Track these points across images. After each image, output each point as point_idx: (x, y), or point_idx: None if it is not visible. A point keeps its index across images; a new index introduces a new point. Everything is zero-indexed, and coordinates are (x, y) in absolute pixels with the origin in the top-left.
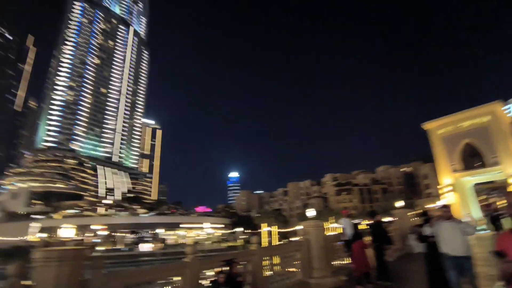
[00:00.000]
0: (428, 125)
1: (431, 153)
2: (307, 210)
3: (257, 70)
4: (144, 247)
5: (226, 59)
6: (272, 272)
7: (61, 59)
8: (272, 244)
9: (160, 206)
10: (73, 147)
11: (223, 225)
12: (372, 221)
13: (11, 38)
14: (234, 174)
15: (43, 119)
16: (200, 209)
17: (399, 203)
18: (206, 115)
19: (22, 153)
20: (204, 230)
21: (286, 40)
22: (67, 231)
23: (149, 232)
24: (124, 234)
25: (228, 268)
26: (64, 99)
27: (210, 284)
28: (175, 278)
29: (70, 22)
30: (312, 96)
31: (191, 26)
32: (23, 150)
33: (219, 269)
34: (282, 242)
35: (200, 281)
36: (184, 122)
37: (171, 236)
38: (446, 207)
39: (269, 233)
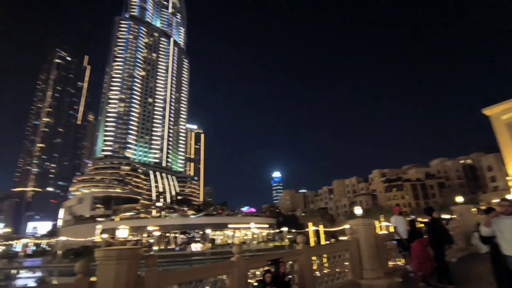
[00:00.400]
0: (490, 111)
1: (494, 141)
2: (354, 208)
3: (296, 69)
4: (195, 247)
5: (265, 60)
6: (319, 273)
7: (112, 74)
8: (320, 244)
9: (207, 207)
10: (127, 154)
11: (268, 225)
12: (429, 219)
13: (70, 59)
14: (277, 174)
15: (101, 131)
16: (245, 209)
17: (459, 198)
18: (248, 116)
19: (84, 162)
20: (251, 230)
21: (325, 38)
22: (122, 232)
23: (199, 232)
24: (175, 235)
25: (274, 267)
26: (116, 111)
27: (257, 284)
28: (223, 277)
29: (118, 40)
30: (356, 89)
31: (226, 32)
32: (85, 160)
33: (266, 268)
34: (329, 242)
35: (248, 280)
36: (226, 124)
37: (219, 236)
38: (506, 200)
39: (316, 232)
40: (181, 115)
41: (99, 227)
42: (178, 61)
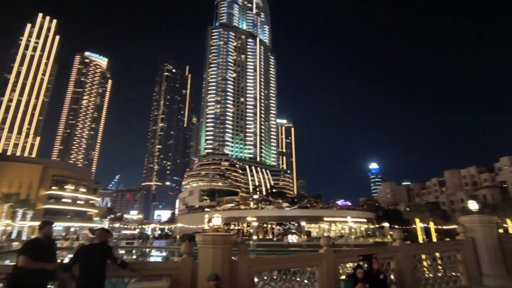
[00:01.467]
0: None
1: None
2: (468, 203)
3: (393, 52)
4: (291, 238)
5: (351, 51)
6: (425, 274)
7: (208, 79)
8: (430, 242)
9: (301, 200)
10: (225, 151)
11: (366, 220)
12: None
13: (174, 71)
14: (374, 166)
15: (203, 131)
16: (341, 203)
17: None
18: (339, 107)
19: (192, 159)
20: (348, 224)
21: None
22: (216, 220)
23: (294, 224)
24: (272, 226)
25: (366, 263)
26: (214, 112)
27: (348, 279)
28: (313, 269)
29: (211, 47)
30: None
31: (309, 26)
32: (193, 157)
33: (358, 264)
34: (442, 240)
35: (340, 274)
36: (316, 117)
37: (315, 229)
38: None
39: (425, 230)
40: (271, 111)
41: (206, 216)
42: (265, 59)
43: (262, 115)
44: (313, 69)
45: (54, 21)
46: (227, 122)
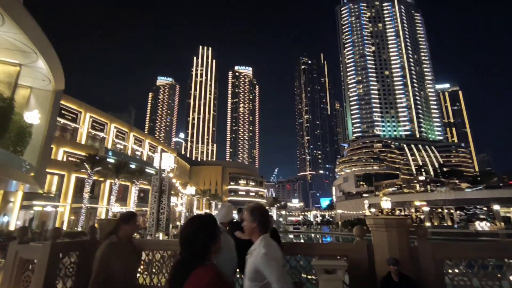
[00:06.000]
0: None
1: None
2: None
3: None
4: (480, 225)
5: None
6: None
7: (345, 61)
8: None
9: (487, 178)
10: (376, 132)
11: None
12: None
13: (310, 62)
14: None
15: (348, 115)
16: None
17: None
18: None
19: (341, 145)
20: None
21: None
22: (386, 204)
23: (482, 208)
24: (450, 211)
25: None
26: (356, 93)
27: None
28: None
29: (343, 27)
30: None
31: None
32: (341, 143)
33: None
34: None
35: None
36: (492, 74)
37: None
38: None
39: None
40: (426, 77)
41: (366, 202)
42: (408, 19)
43: (415, 85)
44: (476, 15)
45: (210, 48)
46: (373, 101)
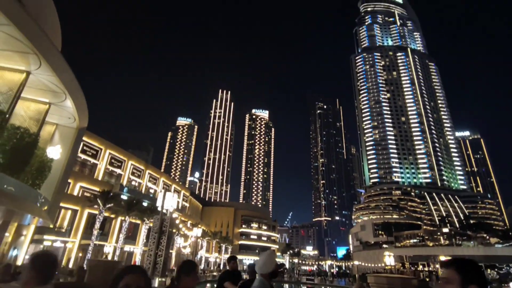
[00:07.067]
0: None
1: None
2: None
3: None
4: None
5: None
6: None
7: (361, 107)
8: None
9: None
10: (394, 179)
11: None
12: None
13: (325, 107)
14: None
15: (364, 160)
16: None
17: None
18: None
19: (358, 191)
20: None
21: None
22: (389, 259)
23: None
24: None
25: None
26: (372, 138)
27: None
28: None
29: (357, 74)
30: None
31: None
32: (358, 189)
33: None
34: None
35: None
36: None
37: None
38: None
39: None
40: (444, 124)
41: (386, 253)
42: (422, 68)
43: (434, 131)
44: (491, 63)
45: (229, 92)
46: (390, 146)
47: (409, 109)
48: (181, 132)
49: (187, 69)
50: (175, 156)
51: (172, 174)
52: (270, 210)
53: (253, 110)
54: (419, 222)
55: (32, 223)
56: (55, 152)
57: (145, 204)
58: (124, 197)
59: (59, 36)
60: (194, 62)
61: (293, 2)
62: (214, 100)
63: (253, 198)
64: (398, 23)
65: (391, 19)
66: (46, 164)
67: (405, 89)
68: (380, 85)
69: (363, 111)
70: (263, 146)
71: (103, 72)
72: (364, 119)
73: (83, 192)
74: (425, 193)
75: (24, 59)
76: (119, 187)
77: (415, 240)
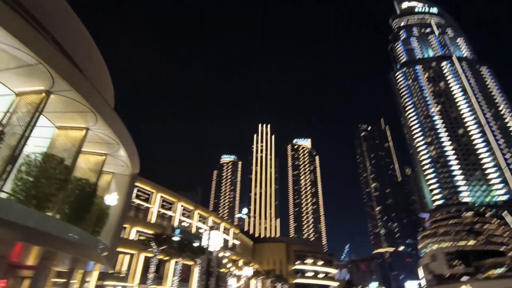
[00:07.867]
0: None
1: None
2: None
3: None
4: None
5: None
6: None
7: (409, 124)
8: None
9: None
10: (462, 199)
11: None
12: None
13: (370, 128)
14: None
15: (422, 181)
16: None
17: None
18: None
19: (420, 216)
20: None
21: None
22: None
23: None
24: None
25: None
26: (428, 156)
27: None
28: None
29: (400, 91)
30: None
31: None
32: (420, 214)
33: None
34: None
35: None
36: None
37: None
38: None
39: None
40: (511, 132)
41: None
42: (474, 74)
43: (500, 141)
44: None
45: (269, 125)
46: (451, 163)
47: (466, 119)
48: (226, 170)
49: (225, 105)
50: (222, 194)
51: (220, 212)
52: (324, 243)
53: (295, 140)
54: (502, 248)
55: (95, 269)
56: (112, 199)
57: (196, 244)
58: (175, 238)
59: (111, 91)
60: (230, 97)
61: (320, 31)
62: (255, 135)
63: (304, 231)
64: (437, 33)
65: (427, 30)
66: (104, 212)
67: (457, 99)
68: (427, 98)
69: (412, 128)
70: (308, 176)
71: (146, 119)
72: (414, 136)
73: (139, 236)
74: (507, 212)
75: (83, 118)
76: (170, 229)
77: (502, 270)
